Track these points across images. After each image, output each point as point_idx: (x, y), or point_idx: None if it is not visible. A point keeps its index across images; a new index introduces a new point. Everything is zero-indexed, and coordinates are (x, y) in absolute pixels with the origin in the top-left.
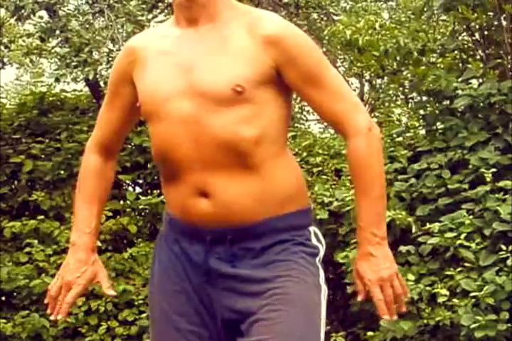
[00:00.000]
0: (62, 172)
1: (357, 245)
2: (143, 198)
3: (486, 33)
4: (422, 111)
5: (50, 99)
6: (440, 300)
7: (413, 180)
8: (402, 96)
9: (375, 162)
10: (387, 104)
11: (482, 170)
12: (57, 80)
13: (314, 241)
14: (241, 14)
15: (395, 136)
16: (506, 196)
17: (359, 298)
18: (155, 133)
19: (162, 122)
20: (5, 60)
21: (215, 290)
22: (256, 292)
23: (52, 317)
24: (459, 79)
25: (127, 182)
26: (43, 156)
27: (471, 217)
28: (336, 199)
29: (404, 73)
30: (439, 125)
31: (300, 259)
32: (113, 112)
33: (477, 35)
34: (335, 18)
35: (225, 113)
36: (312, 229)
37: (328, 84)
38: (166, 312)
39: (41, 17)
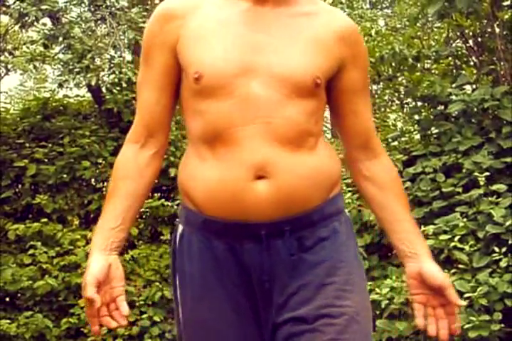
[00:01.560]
0: (64, 175)
1: (406, 254)
2: None
3: (479, 39)
4: (416, 117)
5: (53, 104)
6: None
7: (408, 184)
8: (397, 102)
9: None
10: (382, 109)
11: (475, 173)
12: (60, 86)
13: (351, 224)
14: (312, 3)
15: (390, 140)
16: (499, 199)
17: (419, 316)
18: (214, 109)
19: (227, 99)
20: (9, 66)
21: (274, 290)
22: (321, 286)
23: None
24: (453, 85)
25: None
26: (46, 160)
27: (464, 219)
28: None
29: (400, 79)
30: (434, 130)
31: (352, 250)
32: (155, 88)
33: (471, 42)
34: None
35: (298, 102)
36: (346, 210)
37: (369, 94)
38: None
39: (44, 24)
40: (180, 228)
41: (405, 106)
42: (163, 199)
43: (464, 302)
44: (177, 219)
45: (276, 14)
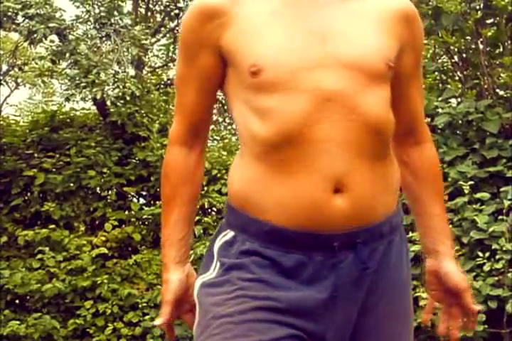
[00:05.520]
0: (71, 184)
1: (428, 250)
2: (146, 209)
3: (464, 55)
4: None
5: (61, 117)
6: (422, 303)
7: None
8: None
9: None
10: None
11: (460, 182)
12: (67, 100)
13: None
14: None
15: None
16: (483, 207)
17: (428, 312)
18: (281, 107)
19: (295, 95)
20: (19, 80)
21: (346, 309)
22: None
23: None
24: (439, 99)
25: (132, 193)
26: (53, 170)
27: (450, 226)
28: None
29: None
30: None
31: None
32: (196, 87)
33: (456, 58)
34: None
35: (376, 90)
36: None
37: (422, 79)
38: None
39: (52, 41)
40: (231, 234)
41: None
42: None
43: (480, 307)
44: (223, 224)
45: None
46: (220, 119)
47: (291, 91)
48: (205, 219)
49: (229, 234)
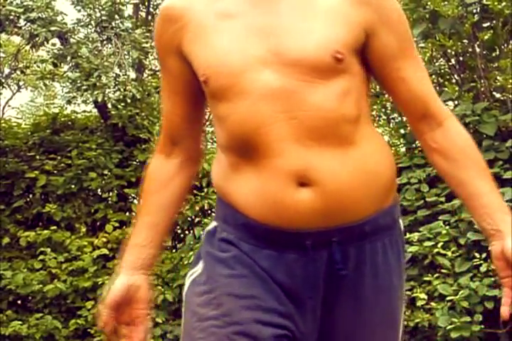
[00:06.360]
0: (73, 186)
1: (489, 232)
2: None
3: (461, 58)
4: (402, 131)
5: (62, 119)
6: (419, 303)
7: None
8: (384, 117)
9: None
10: None
11: None
12: (68, 102)
13: (402, 234)
14: None
15: None
16: None
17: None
18: (232, 113)
19: (242, 99)
20: (21, 83)
21: (317, 310)
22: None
23: None
24: None
25: (132, 195)
26: (55, 172)
27: (447, 227)
28: None
29: (386, 96)
30: (418, 143)
31: (397, 274)
32: (171, 96)
33: (453, 61)
34: None
35: (324, 85)
36: (400, 220)
37: (419, 59)
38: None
39: (54, 44)
40: (213, 224)
41: (392, 120)
42: None
43: None
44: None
45: None
46: None
47: (240, 95)
48: (205, 220)
49: (212, 223)
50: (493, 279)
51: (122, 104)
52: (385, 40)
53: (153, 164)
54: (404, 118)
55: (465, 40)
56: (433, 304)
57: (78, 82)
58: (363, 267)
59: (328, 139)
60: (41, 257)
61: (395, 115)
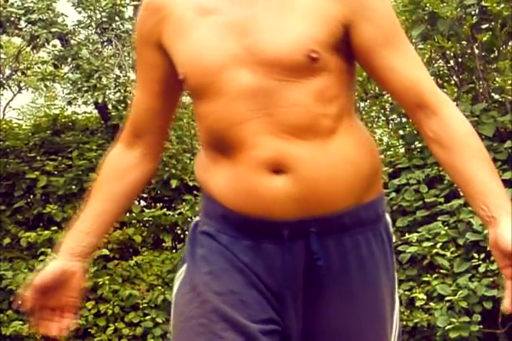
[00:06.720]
0: (73, 187)
1: (485, 220)
2: (147, 211)
3: (459, 60)
4: (401, 132)
5: (63, 120)
6: (418, 303)
7: (393, 194)
8: (383, 118)
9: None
10: (369, 124)
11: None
12: (69, 103)
13: (390, 229)
14: None
15: None
16: None
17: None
18: (210, 111)
19: (218, 98)
20: (22, 84)
21: (297, 302)
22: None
23: None
24: None
25: None
26: (56, 173)
27: (446, 227)
28: None
29: (386, 97)
30: (417, 144)
31: (383, 269)
32: (143, 88)
33: (452, 62)
34: None
35: (301, 83)
36: (387, 214)
37: (408, 48)
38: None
39: (54, 45)
40: (197, 218)
41: (391, 122)
42: (165, 209)
43: None
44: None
45: None
46: None
47: (216, 94)
48: None
49: (196, 219)
50: (491, 279)
51: (123, 105)
52: (366, 30)
53: (112, 152)
54: (404, 120)
55: (464, 42)
56: (432, 304)
57: (79, 83)
58: (347, 261)
59: (305, 133)
60: (42, 257)
61: (394, 116)
